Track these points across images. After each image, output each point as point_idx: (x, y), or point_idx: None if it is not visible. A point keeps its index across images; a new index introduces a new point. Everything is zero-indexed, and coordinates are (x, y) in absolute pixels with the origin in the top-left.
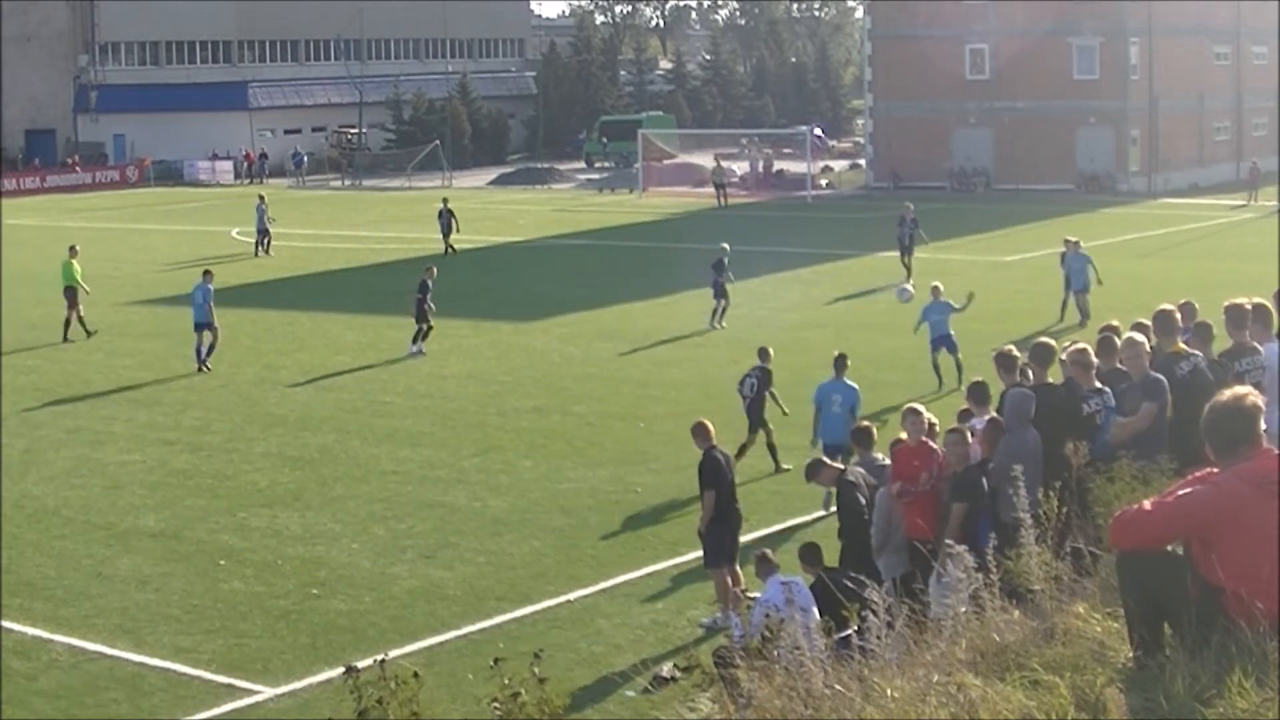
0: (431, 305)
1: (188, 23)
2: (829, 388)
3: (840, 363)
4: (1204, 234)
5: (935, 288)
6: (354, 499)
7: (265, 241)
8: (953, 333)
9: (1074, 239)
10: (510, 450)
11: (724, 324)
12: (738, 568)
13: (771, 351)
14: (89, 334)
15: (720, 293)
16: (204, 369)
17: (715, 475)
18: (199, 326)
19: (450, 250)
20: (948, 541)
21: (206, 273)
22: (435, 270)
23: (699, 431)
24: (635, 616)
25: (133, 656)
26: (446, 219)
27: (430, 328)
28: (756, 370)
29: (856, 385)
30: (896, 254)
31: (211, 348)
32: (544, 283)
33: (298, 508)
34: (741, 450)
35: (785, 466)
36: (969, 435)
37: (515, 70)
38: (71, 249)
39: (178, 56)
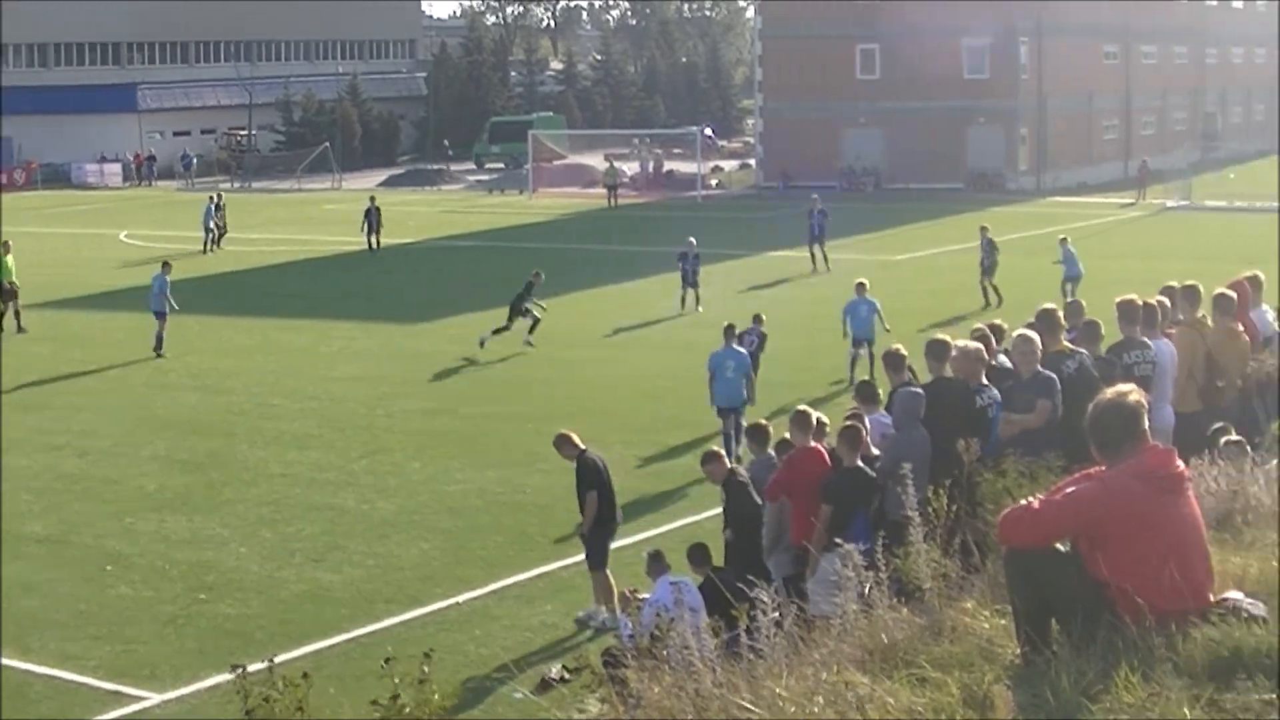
0: (529, 307)
1: (76, 24)
2: (722, 355)
3: (730, 332)
4: (1093, 232)
5: (861, 284)
6: (242, 502)
7: (214, 239)
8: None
9: (1064, 236)
10: (398, 452)
11: (701, 309)
12: (608, 571)
13: (765, 316)
14: (19, 330)
15: (689, 281)
16: (159, 354)
17: (593, 477)
18: (158, 315)
19: (374, 248)
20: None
21: (165, 264)
22: (542, 275)
23: (562, 443)
24: (524, 618)
25: (18, 664)
26: (374, 218)
27: (507, 329)
28: (756, 332)
29: (745, 351)
30: (803, 248)
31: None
32: (433, 284)
33: (186, 512)
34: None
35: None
36: (862, 435)
37: (406, 71)
38: (4, 244)
39: (66, 58)
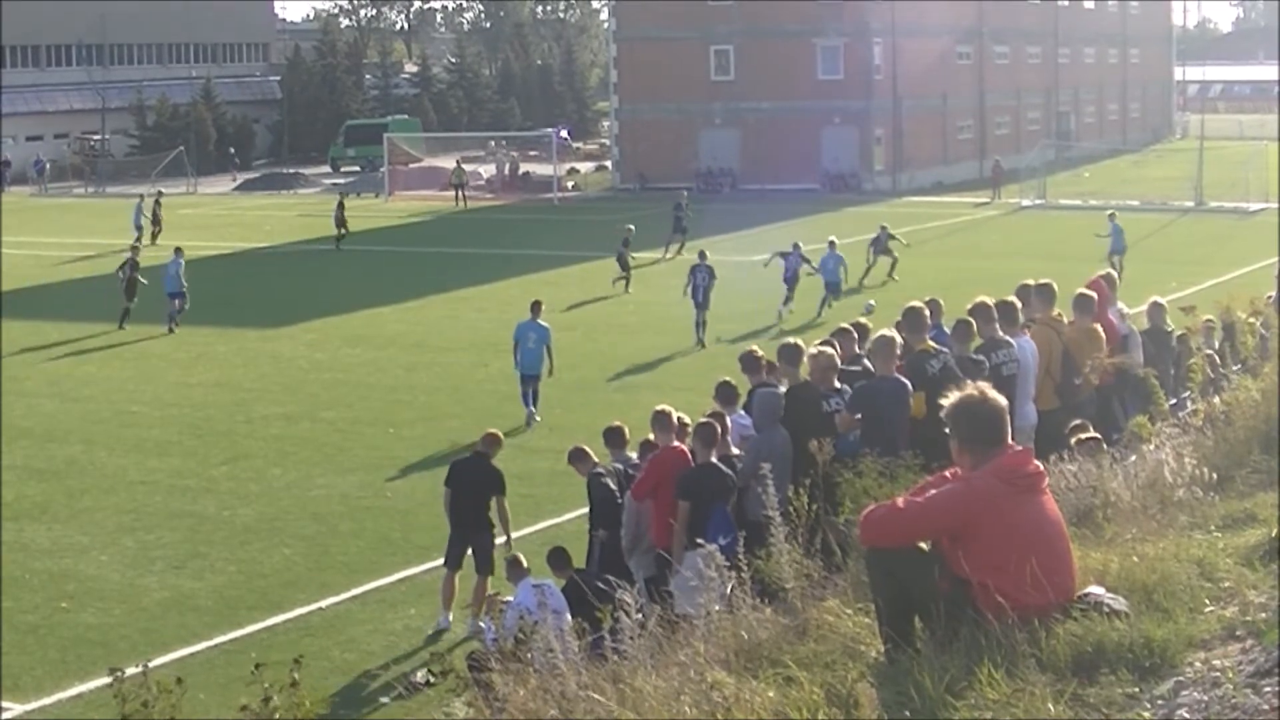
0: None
1: None
2: (525, 327)
3: (536, 307)
4: (949, 231)
5: (832, 241)
6: (102, 510)
7: (143, 236)
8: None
9: (1110, 211)
10: (259, 458)
11: (630, 290)
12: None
13: (708, 252)
14: None
15: (624, 265)
16: (173, 330)
17: (450, 481)
18: (171, 295)
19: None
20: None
21: (178, 250)
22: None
23: (487, 441)
24: (388, 622)
25: None
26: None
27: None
28: (705, 267)
29: (548, 325)
30: (663, 247)
31: (181, 310)
32: (290, 288)
33: (45, 520)
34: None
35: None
36: (717, 431)
37: (260, 75)
38: None
39: None
